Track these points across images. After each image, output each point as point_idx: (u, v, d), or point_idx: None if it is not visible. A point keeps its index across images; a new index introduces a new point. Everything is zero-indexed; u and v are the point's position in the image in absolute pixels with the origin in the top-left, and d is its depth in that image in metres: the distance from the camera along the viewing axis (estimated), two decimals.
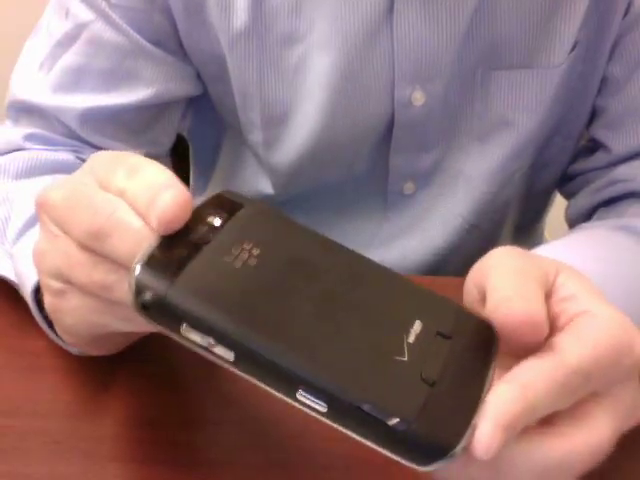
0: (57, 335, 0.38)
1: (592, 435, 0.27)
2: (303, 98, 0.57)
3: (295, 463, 0.37)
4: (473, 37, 0.55)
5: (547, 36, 0.55)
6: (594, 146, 0.62)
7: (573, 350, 0.27)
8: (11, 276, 0.44)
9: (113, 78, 0.55)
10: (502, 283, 0.28)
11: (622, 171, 0.57)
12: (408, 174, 0.62)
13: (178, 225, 0.27)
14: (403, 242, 0.66)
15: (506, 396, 0.25)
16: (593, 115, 0.61)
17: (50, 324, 0.39)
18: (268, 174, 0.64)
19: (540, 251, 0.38)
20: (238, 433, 0.38)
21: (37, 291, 0.40)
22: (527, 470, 0.26)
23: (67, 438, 0.38)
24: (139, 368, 0.42)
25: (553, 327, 0.28)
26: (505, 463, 0.26)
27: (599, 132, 0.60)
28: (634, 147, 0.58)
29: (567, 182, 0.66)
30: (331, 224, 0.67)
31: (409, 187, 0.63)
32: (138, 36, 0.54)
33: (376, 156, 0.61)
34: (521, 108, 0.58)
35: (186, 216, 0.27)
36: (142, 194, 0.28)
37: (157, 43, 0.55)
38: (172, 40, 0.56)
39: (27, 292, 0.40)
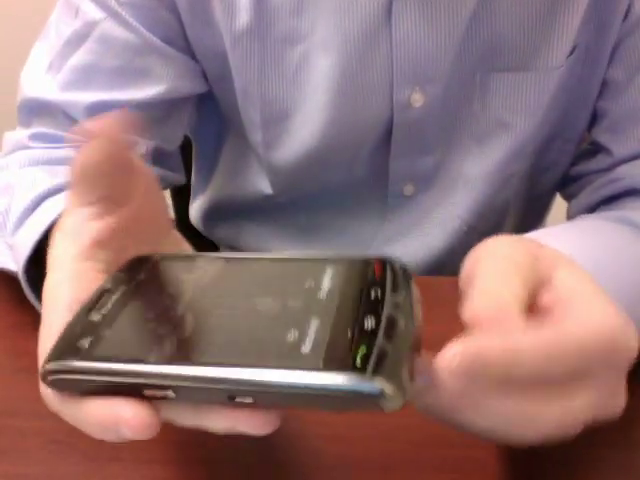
0: None
1: (572, 404, 0.27)
2: (303, 98, 0.57)
3: (295, 463, 0.37)
4: (472, 39, 0.55)
5: (545, 39, 0.55)
6: (595, 149, 0.62)
7: (574, 329, 0.27)
8: (11, 267, 0.44)
9: (123, 76, 0.55)
10: (482, 280, 0.28)
11: (622, 169, 0.57)
12: (408, 176, 0.62)
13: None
14: (402, 243, 0.66)
15: (490, 340, 0.26)
16: (594, 118, 0.61)
17: (39, 299, 0.39)
18: (268, 174, 0.64)
19: (535, 235, 0.38)
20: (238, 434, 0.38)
21: (28, 268, 0.41)
22: (499, 418, 0.27)
23: (67, 438, 0.37)
24: None
25: (549, 317, 0.29)
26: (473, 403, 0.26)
27: (600, 135, 0.60)
28: (635, 150, 0.58)
29: (568, 184, 0.66)
30: (331, 225, 0.67)
31: (409, 189, 0.63)
32: (148, 33, 0.54)
33: (376, 158, 0.61)
34: (519, 110, 0.58)
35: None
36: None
37: (167, 40, 0.56)
38: (181, 37, 0.56)
39: (19, 267, 0.41)
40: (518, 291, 0.28)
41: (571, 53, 0.56)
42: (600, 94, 0.59)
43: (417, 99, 0.56)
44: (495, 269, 0.29)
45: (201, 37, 0.57)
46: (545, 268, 0.30)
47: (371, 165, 0.62)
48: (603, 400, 0.29)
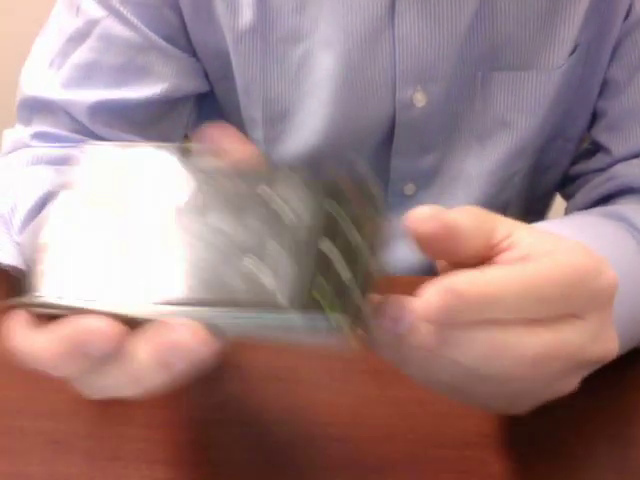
0: None
1: (556, 335, 0.27)
2: (305, 96, 0.57)
3: (295, 463, 0.37)
4: (474, 38, 0.55)
5: (547, 38, 0.55)
6: (595, 148, 0.62)
7: (547, 263, 0.27)
8: (19, 264, 0.44)
9: (124, 74, 0.55)
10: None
11: (619, 169, 0.57)
12: (409, 175, 0.62)
13: None
14: (404, 242, 0.66)
15: (467, 276, 0.26)
16: (594, 117, 0.61)
17: None
18: None
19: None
20: (239, 433, 0.38)
21: None
22: (482, 349, 0.27)
23: (67, 438, 0.38)
24: None
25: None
26: (463, 342, 0.27)
27: (600, 134, 0.60)
28: (634, 149, 0.57)
29: (567, 184, 0.66)
30: None
31: (410, 188, 0.63)
32: (150, 32, 0.54)
33: (377, 157, 0.61)
34: (521, 109, 0.58)
35: None
36: None
37: (168, 39, 0.55)
38: (183, 36, 0.56)
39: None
40: (468, 228, 0.28)
41: (573, 52, 0.56)
42: (600, 93, 0.59)
43: (419, 99, 0.56)
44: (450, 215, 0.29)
45: (203, 35, 0.57)
46: (502, 228, 0.30)
47: (372, 164, 0.62)
48: (591, 341, 0.29)
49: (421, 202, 0.64)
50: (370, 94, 0.56)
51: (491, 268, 0.27)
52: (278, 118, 0.59)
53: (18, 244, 0.45)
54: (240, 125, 0.62)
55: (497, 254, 0.29)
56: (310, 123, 0.58)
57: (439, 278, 0.26)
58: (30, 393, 0.40)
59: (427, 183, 0.63)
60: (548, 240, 0.30)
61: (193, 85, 0.59)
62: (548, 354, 0.27)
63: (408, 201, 0.64)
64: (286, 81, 0.57)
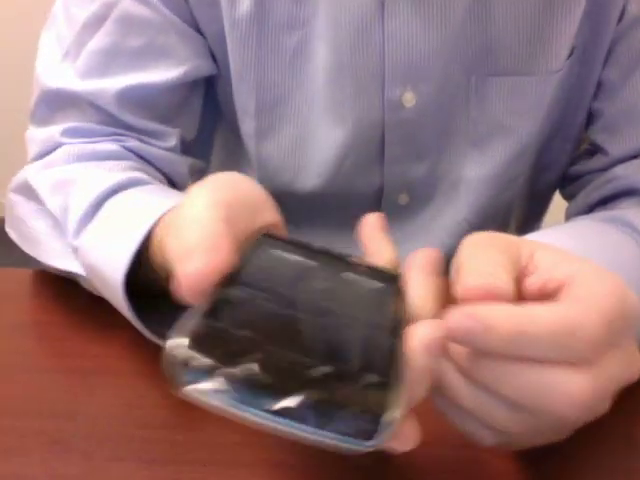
0: (144, 326, 0.39)
1: (601, 370, 0.28)
2: (298, 85, 0.57)
3: (296, 463, 0.37)
4: (467, 41, 0.55)
5: (543, 42, 0.55)
6: (593, 149, 0.62)
7: (581, 303, 0.28)
8: (75, 269, 0.44)
9: (145, 57, 0.54)
10: (468, 261, 0.30)
11: (618, 170, 0.58)
12: (402, 184, 0.62)
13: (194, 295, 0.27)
14: (404, 248, 0.66)
15: (491, 306, 0.28)
16: (590, 118, 0.62)
17: (138, 315, 0.39)
18: (257, 171, 0.63)
19: (526, 237, 0.38)
20: (238, 433, 0.38)
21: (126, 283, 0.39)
22: (525, 383, 0.28)
23: (67, 438, 0.38)
24: (139, 368, 0.42)
25: (543, 295, 0.30)
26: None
27: (597, 135, 0.61)
28: (631, 150, 0.58)
29: (568, 184, 0.66)
30: (329, 234, 0.66)
31: (403, 198, 0.63)
32: (168, 10, 0.53)
33: (370, 163, 0.61)
34: (519, 113, 0.58)
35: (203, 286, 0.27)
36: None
37: (184, 19, 0.55)
38: (193, 17, 0.56)
39: (116, 282, 0.39)
40: (505, 264, 0.30)
41: (570, 55, 0.56)
42: (595, 94, 0.60)
43: (409, 99, 0.56)
44: (479, 253, 0.31)
45: (205, 20, 0.56)
46: (525, 251, 0.31)
47: (365, 172, 0.61)
48: (627, 367, 0.29)
49: (417, 210, 0.64)
50: (359, 92, 0.56)
51: (528, 306, 0.28)
52: (270, 106, 0.58)
53: (75, 248, 0.44)
54: (233, 117, 0.62)
55: (522, 278, 0.30)
56: (301, 115, 0.58)
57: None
58: (30, 393, 0.40)
59: (422, 191, 0.63)
60: (566, 263, 0.30)
61: (209, 66, 0.58)
62: (597, 393, 0.27)
63: (403, 210, 0.64)
64: (280, 68, 0.57)
